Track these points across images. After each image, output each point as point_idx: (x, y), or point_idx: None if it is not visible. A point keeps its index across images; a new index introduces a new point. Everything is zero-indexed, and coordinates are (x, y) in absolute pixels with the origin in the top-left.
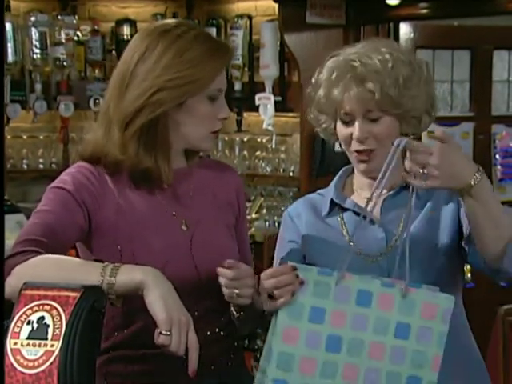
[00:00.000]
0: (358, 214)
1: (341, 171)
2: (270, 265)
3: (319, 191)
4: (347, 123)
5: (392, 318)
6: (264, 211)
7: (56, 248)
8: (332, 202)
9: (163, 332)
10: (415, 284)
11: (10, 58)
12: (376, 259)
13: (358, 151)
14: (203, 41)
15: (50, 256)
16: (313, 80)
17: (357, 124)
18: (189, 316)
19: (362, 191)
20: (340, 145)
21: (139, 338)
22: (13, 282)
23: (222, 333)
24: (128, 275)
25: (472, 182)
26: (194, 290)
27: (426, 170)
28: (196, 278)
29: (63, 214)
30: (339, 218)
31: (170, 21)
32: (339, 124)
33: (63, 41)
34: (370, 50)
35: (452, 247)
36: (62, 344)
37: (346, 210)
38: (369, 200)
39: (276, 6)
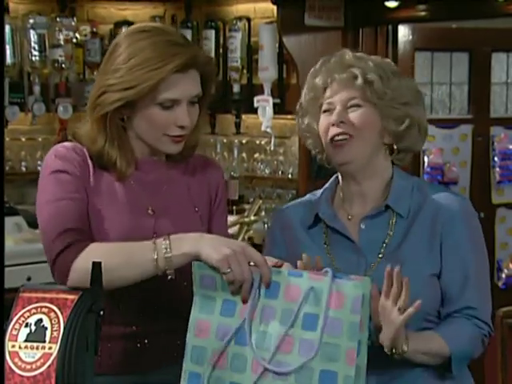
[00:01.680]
0: (340, 233)
1: (331, 179)
2: None
3: (311, 195)
4: (328, 112)
5: (299, 308)
6: (263, 213)
7: (88, 231)
8: (317, 215)
9: (224, 271)
10: (338, 274)
11: (9, 60)
12: None
13: (334, 140)
14: (158, 48)
15: (99, 244)
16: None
17: (336, 110)
18: (240, 243)
19: (347, 203)
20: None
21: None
22: (76, 278)
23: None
24: (179, 250)
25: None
26: None
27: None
28: None
29: (77, 197)
30: (323, 234)
31: (147, 24)
32: (322, 116)
33: (62, 43)
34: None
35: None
36: (60, 346)
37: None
38: None
39: (274, 8)
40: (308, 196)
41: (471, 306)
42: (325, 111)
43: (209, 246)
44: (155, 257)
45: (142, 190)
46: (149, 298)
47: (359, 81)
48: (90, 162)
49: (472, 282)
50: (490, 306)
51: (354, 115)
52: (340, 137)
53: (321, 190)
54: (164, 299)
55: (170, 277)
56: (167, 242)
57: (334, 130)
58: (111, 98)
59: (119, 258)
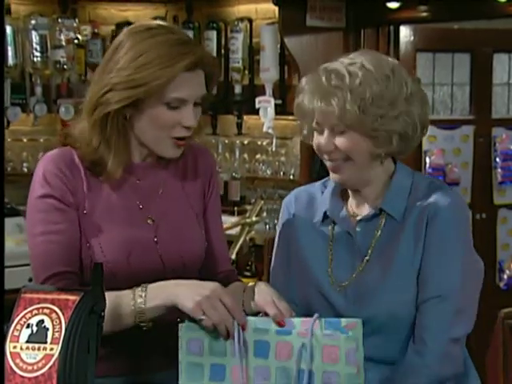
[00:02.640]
0: (345, 232)
1: None
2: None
3: (322, 183)
4: (318, 132)
5: (293, 366)
6: (264, 214)
7: (76, 268)
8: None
9: (200, 318)
10: (327, 320)
11: (11, 61)
12: (342, 287)
13: (327, 161)
14: (166, 46)
15: None
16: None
17: (323, 136)
18: (212, 285)
19: (352, 200)
20: None
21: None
22: None
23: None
24: (152, 302)
25: None
26: (159, 278)
27: None
28: (161, 269)
29: (66, 226)
30: (331, 230)
31: (151, 22)
32: (315, 133)
33: (63, 44)
34: (350, 63)
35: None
36: (62, 347)
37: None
38: None
39: (276, 8)
40: (317, 186)
41: (440, 295)
42: (315, 130)
43: (183, 296)
44: (132, 308)
45: (138, 198)
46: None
47: (337, 112)
48: (82, 169)
49: (442, 272)
50: (472, 306)
51: (340, 141)
52: (332, 162)
53: (331, 185)
54: None
55: (144, 328)
56: (144, 293)
57: (325, 156)
58: (117, 96)
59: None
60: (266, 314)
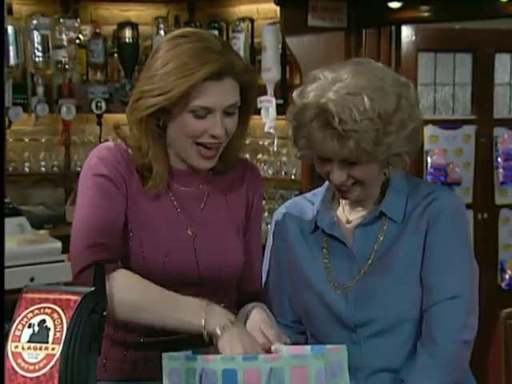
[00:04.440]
0: (338, 240)
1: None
2: None
3: (311, 195)
4: (324, 161)
5: None
6: (266, 214)
7: (117, 247)
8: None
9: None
10: (315, 347)
11: (12, 61)
12: (345, 289)
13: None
14: (189, 55)
15: (130, 277)
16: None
17: (334, 170)
18: (257, 347)
19: (345, 206)
20: None
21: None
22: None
23: None
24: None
25: None
26: (195, 285)
27: None
28: (197, 276)
29: (111, 206)
30: (323, 239)
31: (186, 29)
32: (317, 161)
33: (65, 44)
34: (350, 87)
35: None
36: (63, 347)
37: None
38: None
39: (278, 9)
40: (307, 197)
41: (454, 296)
42: (320, 157)
43: (226, 340)
44: (202, 323)
45: (181, 205)
46: None
47: (353, 151)
48: (134, 166)
49: (453, 273)
50: (477, 308)
51: (353, 171)
52: (342, 187)
53: (321, 191)
54: None
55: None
56: (203, 314)
57: (337, 187)
58: (145, 103)
59: (166, 308)
60: None
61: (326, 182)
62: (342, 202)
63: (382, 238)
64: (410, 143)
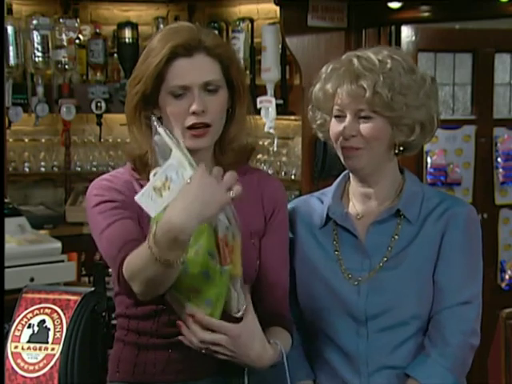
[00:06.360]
0: (349, 232)
1: (340, 176)
2: None
3: (319, 194)
4: (339, 118)
5: None
6: None
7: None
8: (328, 215)
9: None
10: None
11: (12, 61)
12: (358, 282)
13: (344, 147)
14: (160, 38)
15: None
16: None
17: (347, 120)
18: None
19: (356, 202)
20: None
21: (153, 326)
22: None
23: None
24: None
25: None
26: None
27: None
28: None
29: (128, 215)
30: (333, 232)
31: (177, 22)
32: (333, 120)
33: (65, 44)
34: (375, 51)
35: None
36: (63, 347)
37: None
38: None
39: (278, 9)
40: (316, 195)
41: (468, 301)
42: (336, 116)
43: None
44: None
45: None
46: None
47: (368, 94)
48: (136, 184)
49: (468, 280)
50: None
51: (364, 127)
52: (349, 148)
53: (331, 189)
54: None
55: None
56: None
57: (344, 142)
58: (130, 94)
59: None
60: None
61: (335, 181)
62: (353, 198)
63: (397, 237)
64: (423, 115)
